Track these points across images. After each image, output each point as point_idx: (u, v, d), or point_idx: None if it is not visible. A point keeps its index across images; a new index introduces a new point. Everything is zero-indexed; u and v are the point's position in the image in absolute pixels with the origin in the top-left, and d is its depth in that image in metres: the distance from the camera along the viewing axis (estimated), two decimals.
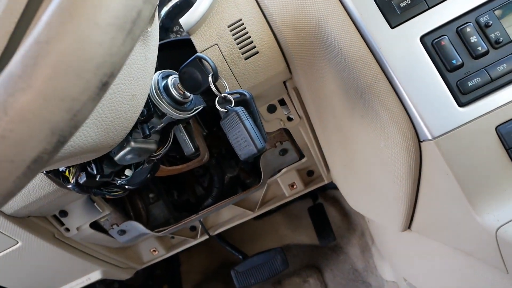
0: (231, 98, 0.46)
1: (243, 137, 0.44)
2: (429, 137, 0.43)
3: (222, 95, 0.46)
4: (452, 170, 0.43)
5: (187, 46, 0.58)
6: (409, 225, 0.58)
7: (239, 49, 0.54)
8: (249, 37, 0.54)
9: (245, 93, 0.46)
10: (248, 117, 0.44)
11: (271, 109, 0.65)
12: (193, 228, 0.92)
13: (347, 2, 0.47)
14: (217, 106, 0.46)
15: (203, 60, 0.46)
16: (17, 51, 0.20)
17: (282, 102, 0.66)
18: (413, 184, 0.50)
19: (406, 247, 0.68)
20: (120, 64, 0.22)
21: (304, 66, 0.54)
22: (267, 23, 0.54)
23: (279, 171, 0.81)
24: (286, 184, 0.84)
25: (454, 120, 0.43)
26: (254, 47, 0.54)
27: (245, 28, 0.54)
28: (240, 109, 0.44)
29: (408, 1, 0.45)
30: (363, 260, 1.09)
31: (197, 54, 0.46)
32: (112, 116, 0.36)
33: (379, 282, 1.03)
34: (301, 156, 0.77)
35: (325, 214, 1.14)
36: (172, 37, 0.79)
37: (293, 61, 0.55)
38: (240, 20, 0.54)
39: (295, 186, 0.84)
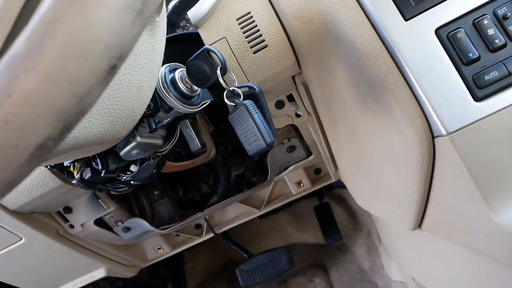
0: (240, 92, 0.45)
1: (251, 132, 0.43)
2: (444, 132, 0.42)
3: (231, 88, 0.45)
4: (467, 167, 0.42)
5: (194, 40, 0.57)
6: (419, 224, 0.57)
7: (248, 43, 0.53)
8: (258, 30, 0.53)
9: (254, 86, 0.45)
10: (257, 111, 0.43)
11: (279, 105, 0.64)
12: (198, 226, 0.91)
13: None
14: (226, 100, 0.45)
15: (211, 53, 0.45)
16: (22, 32, 0.19)
17: (290, 98, 0.65)
18: (426, 181, 0.48)
19: (415, 246, 0.67)
20: (129, 47, 0.21)
21: (314, 60, 0.53)
22: (277, 16, 0.53)
23: (286, 168, 0.79)
24: (293, 182, 0.83)
25: (469, 115, 0.41)
26: (263, 40, 0.53)
27: (254, 21, 0.53)
28: (249, 103, 0.43)
29: None
30: (370, 259, 1.07)
31: (205, 46, 0.45)
32: (119, 108, 0.36)
33: (386, 282, 1.01)
34: (309, 153, 0.76)
35: (332, 213, 1.12)
36: (179, 32, 0.78)
37: (302, 55, 0.54)
38: (249, 13, 0.53)
39: (302, 184, 0.83)
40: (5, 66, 0.18)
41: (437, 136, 0.43)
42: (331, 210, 1.12)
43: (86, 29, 0.18)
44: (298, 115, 0.66)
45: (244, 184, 0.90)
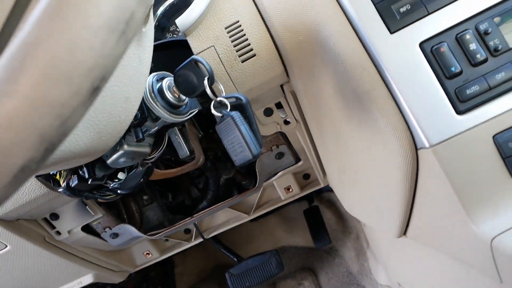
0: (227, 102, 0.45)
1: (238, 143, 0.43)
2: (427, 145, 0.43)
3: (218, 99, 0.45)
4: (449, 179, 0.43)
5: (183, 47, 0.57)
6: (404, 231, 0.58)
7: (236, 52, 0.53)
8: (247, 39, 0.53)
9: (241, 97, 0.45)
10: (243, 122, 0.43)
11: (268, 112, 0.64)
12: (188, 231, 0.91)
13: (346, 5, 0.46)
14: (213, 111, 0.45)
15: (199, 63, 0.45)
16: (2, 54, 0.19)
17: (278, 105, 0.66)
18: (410, 191, 0.49)
19: (401, 253, 0.68)
20: (113, 67, 0.21)
21: (302, 70, 0.54)
22: (265, 25, 0.53)
23: (275, 174, 0.80)
24: (282, 187, 0.83)
25: (451, 128, 0.42)
26: (252, 49, 0.53)
27: (242, 30, 0.53)
28: (236, 114, 0.43)
29: (408, 6, 0.44)
30: (358, 263, 1.08)
31: (192, 56, 0.45)
32: (105, 120, 0.36)
33: (374, 285, 1.02)
34: (298, 159, 0.77)
35: (321, 216, 1.13)
36: (169, 37, 0.78)
37: (290, 65, 0.54)
38: (238, 21, 0.53)
39: (291, 190, 0.84)
40: None
41: (421, 148, 0.44)
42: (321, 213, 1.13)
43: (69, 52, 0.19)
44: (286, 122, 0.66)
45: (234, 187, 0.90)
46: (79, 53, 0.19)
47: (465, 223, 0.43)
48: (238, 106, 0.46)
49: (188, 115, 0.50)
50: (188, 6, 0.67)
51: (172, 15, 0.76)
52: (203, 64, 0.45)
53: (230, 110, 0.45)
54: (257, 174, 0.72)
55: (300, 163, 0.77)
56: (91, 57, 0.19)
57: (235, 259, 1.08)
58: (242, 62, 0.54)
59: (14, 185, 0.20)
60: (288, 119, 0.66)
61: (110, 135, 0.38)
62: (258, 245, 1.23)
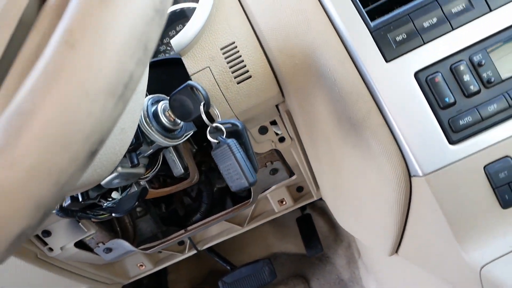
0: (223, 129, 0.45)
1: (234, 170, 0.44)
2: (420, 173, 0.43)
3: (214, 125, 0.45)
4: (441, 207, 0.43)
5: (177, 64, 0.57)
6: (396, 250, 0.59)
7: (232, 73, 0.53)
8: (242, 60, 0.53)
9: (237, 123, 0.45)
10: (240, 150, 0.43)
11: (263, 130, 0.64)
12: (181, 243, 0.91)
13: (344, 33, 0.46)
14: (209, 137, 0.45)
15: (194, 88, 0.45)
16: None
17: (273, 122, 0.66)
18: (402, 214, 0.50)
19: (393, 269, 0.69)
20: (110, 129, 0.21)
21: (297, 92, 0.54)
22: (261, 47, 0.53)
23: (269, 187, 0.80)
24: (275, 200, 0.84)
25: (444, 157, 0.43)
26: (247, 71, 0.53)
27: (238, 51, 0.53)
28: (232, 142, 0.43)
29: (404, 36, 0.44)
30: (349, 270, 1.10)
31: (188, 82, 0.45)
32: (100, 153, 0.35)
33: None
34: (291, 174, 0.77)
35: (313, 225, 1.14)
36: (162, 48, 0.77)
37: (286, 86, 0.54)
38: (234, 42, 0.53)
39: (284, 202, 0.84)
40: None
41: (414, 176, 0.45)
42: (313, 222, 1.14)
43: (66, 120, 0.18)
44: (281, 140, 0.66)
45: (227, 196, 0.90)
46: (78, 120, 0.19)
47: (456, 250, 0.44)
48: (234, 132, 0.46)
49: (183, 138, 0.50)
50: (183, 18, 0.67)
51: (166, 26, 0.75)
52: (199, 90, 0.45)
53: (226, 136, 0.45)
54: (251, 190, 0.73)
55: (293, 177, 0.77)
56: (89, 123, 0.19)
57: (229, 267, 1.08)
58: (237, 83, 0.53)
59: (10, 251, 0.19)
60: (283, 136, 0.66)
61: (105, 167, 0.37)
62: (251, 252, 1.24)
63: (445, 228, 0.44)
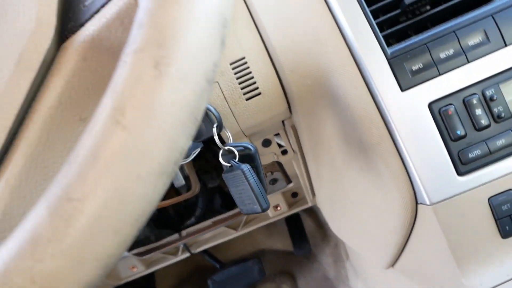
0: (236, 152, 0.45)
1: (247, 195, 0.43)
2: (427, 202, 0.44)
3: (226, 148, 0.45)
4: (445, 234, 0.45)
5: None
6: (393, 264, 0.60)
7: (241, 89, 0.52)
8: (252, 77, 0.52)
9: (250, 147, 0.45)
10: (253, 176, 0.43)
11: (266, 143, 0.64)
12: None
13: (361, 57, 0.46)
14: (221, 159, 0.45)
15: (207, 110, 0.44)
16: (42, 207, 0.17)
17: (276, 133, 0.66)
18: (404, 236, 0.51)
19: (386, 279, 0.71)
20: (157, 204, 0.20)
21: (306, 110, 0.53)
22: (272, 64, 0.52)
23: None
24: (271, 205, 0.84)
25: (452, 188, 0.44)
26: (257, 88, 0.52)
27: (248, 67, 0.52)
28: (246, 168, 0.43)
29: (421, 65, 0.44)
30: (335, 269, 1.13)
31: None
32: None
33: None
34: (289, 182, 0.78)
35: (302, 224, 1.16)
36: None
37: (294, 103, 0.54)
38: (244, 58, 0.52)
39: (279, 208, 0.85)
40: (28, 248, 0.17)
41: (421, 203, 0.46)
42: (302, 221, 1.16)
43: (118, 206, 0.17)
44: (283, 152, 0.66)
45: (219, 195, 0.90)
46: (129, 205, 0.18)
47: (456, 275, 0.46)
48: (247, 156, 0.45)
49: (191, 156, 0.49)
50: None
51: None
52: (211, 111, 0.44)
53: (239, 159, 0.45)
54: None
55: (291, 185, 0.78)
56: (140, 206, 0.18)
57: (218, 265, 1.09)
58: (246, 100, 0.52)
59: None
60: (285, 149, 0.66)
61: None
62: (238, 248, 1.25)
63: (447, 254, 0.46)
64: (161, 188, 0.19)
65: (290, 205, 0.86)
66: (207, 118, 0.44)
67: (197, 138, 0.45)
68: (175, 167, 0.20)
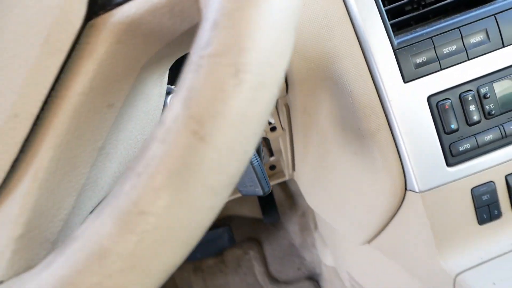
0: None
1: (249, 178, 0.43)
2: (416, 190, 0.47)
3: None
4: (429, 219, 0.48)
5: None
6: (369, 242, 0.65)
7: None
8: None
9: None
10: (258, 159, 0.43)
11: None
12: None
13: (368, 46, 0.46)
14: None
15: None
16: (108, 219, 0.16)
17: None
18: (388, 219, 0.55)
19: (359, 253, 0.76)
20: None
21: (305, 92, 0.53)
22: None
23: None
24: None
25: (441, 178, 0.47)
26: None
27: None
28: None
29: (424, 58, 0.45)
30: (301, 237, 1.19)
31: None
32: None
33: (313, 257, 1.14)
34: (271, 155, 0.78)
35: (272, 193, 1.19)
36: None
37: (293, 84, 0.53)
38: None
39: None
40: (94, 261, 0.16)
41: (410, 190, 0.49)
42: (272, 191, 1.19)
43: (190, 222, 0.17)
44: (272, 129, 0.66)
45: None
46: (199, 217, 0.17)
47: (434, 256, 0.50)
48: None
49: None
50: None
51: None
52: None
53: None
54: None
55: (272, 158, 0.79)
56: (208, 218, 0.18)
57: None
58: None
59: None
60: (274, 126, 0.66)
61: None
62: None
63: (429, 237, 0.49)
64: (226, 199, 0.19)
65: (268, 177, 0.87)
66: None
67: None
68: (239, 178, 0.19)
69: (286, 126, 0.65)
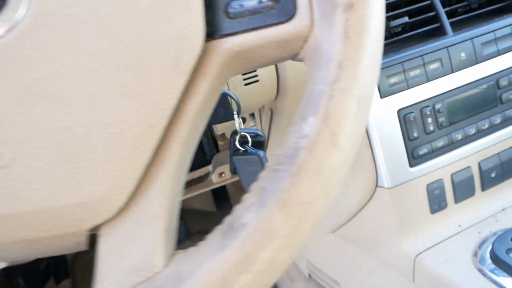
0: (249, 138, 0.49)
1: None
2: (386, 186, 0.57)
3: (242, 133, 0.48)
4: (395, 209, 0.59)
5: None
6: (333, 231, 0.74)
7: (242, 74, 0.55)
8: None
9: (261, 134, 0.49)
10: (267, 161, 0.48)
11: (242, 120, 0.68)
12: None
13: None
14: (237, 144, 0.48)
15: (228, 97, 0.47)
16: (275, 208, 0.22)
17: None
18: (357, 210, 0.64)
19: (320, 241, 0.85)
20: None
21: (294, 98, 0.59)
22: None
23: None
24: (216, 172, 0.89)
25: (405, 176, 0.58)
26: (257, 75, 0.56)
27: None
28: (263, 153, 0.47)
29: (396, 79, 0.55)
30: None
31: (224, 91, 0.46)
32: None
33: None
34: None
35: (225, 186, 1.24)
36: None
37: (285, 90, 0.59)
38: None
39: (223, 175, 0.90)
40: (265, 240, 0.21)
41: (380, 186, 0.59)
42: (225, 185, 1.24)
43: (328, 205, 0.23)
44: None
45: None
46: (329, 205, 0.23)
47: (397, 241, 0.61)
48: (258, 143, 0.49)
49: None
50: None
51: None
52: (231, 97, 0.47)
53: (252, 145, 0.49)
54: (211, 169, 0.76)
55: None
56: (330, 203, 0.23)
57: None
58: (245, 85, 0.56)
59: None
60: (254, 126, 0.71)
61: None
62: None
63: (394, 225, 0.60)
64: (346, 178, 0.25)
65: (234, 173, 0.92)
66: (228, 104, 0.46)
67: (214, 121, 0.47)
68: None
69: (266, 128, 0.70)
